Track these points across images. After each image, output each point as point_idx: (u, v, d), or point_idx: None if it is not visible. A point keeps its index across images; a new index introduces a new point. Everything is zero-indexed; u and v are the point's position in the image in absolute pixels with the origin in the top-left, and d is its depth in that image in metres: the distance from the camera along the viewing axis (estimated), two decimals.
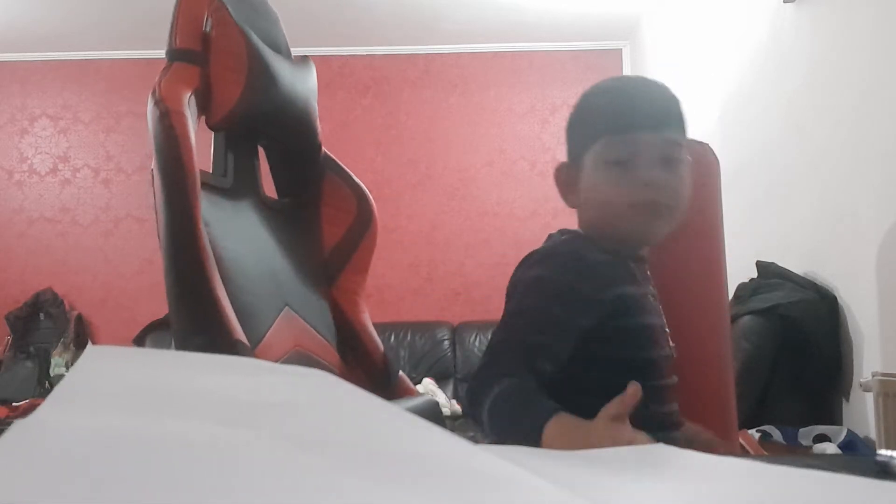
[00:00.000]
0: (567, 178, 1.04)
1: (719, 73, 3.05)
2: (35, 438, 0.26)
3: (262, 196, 1.27)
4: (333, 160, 1.37)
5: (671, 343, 1.04)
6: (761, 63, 2.63)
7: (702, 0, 3.26)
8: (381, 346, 1.37)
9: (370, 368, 1.33)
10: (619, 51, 4.50)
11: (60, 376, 3.96)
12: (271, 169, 1.34)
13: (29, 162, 4.52)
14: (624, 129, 0.97)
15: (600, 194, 0.99)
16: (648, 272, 1.06)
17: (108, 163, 4.51)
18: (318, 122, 1.33)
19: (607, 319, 0.95)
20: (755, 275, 2.30)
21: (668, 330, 1.04)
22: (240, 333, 0.95)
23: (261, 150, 1.32)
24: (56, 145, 4.53)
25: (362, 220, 1.38)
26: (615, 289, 0.96)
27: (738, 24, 2.83)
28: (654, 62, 4.01)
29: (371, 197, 1.39)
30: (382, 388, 1.31)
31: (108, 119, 4.52)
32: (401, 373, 1.38)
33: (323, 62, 4.42)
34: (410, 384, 1.39)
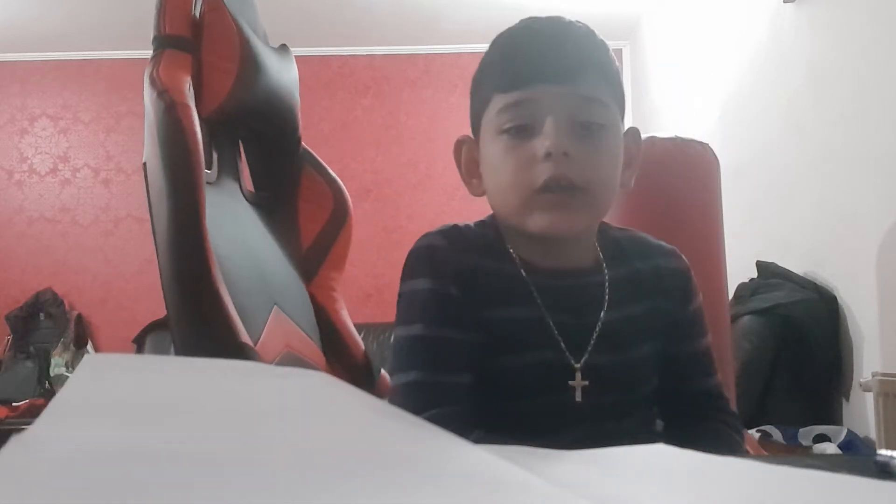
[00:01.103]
0: (468, 157, 0.83)
1: (719, 73, 3.05)
2: (32, 454, 0.26)
3: (244, 190, 1.24)
4: (311, 154, 1.35)
5: (598, 384, 0.77)
6: (761, 63, 2.63)
7: (702, 0, 3.26)
8: (362, 344, 1.34)
9: (352, 367, 1.30)
10: (619, 51, 4.50)
11: (60, 376, 3.96)
12: (249, 162, 1.31)
13: (29, 162, 4.52)
14: (517, 82, 0.74)
15: (497, 177, 0.77)
16: (605, 289, 0.80)
17: (108, 163, 4.51)
18: (299, 115, 1.31)
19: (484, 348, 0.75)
20: (755, 275, 2.30)
21: (578, 369, 0.76)
22: (245, 336, 0.92)
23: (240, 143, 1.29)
24: (56, 145, 4.52)
25: (338, 215, 1.35)
26: (496, 310, 0.76)
27: (738, 24, 2.83)
28: (654, 62, 4.01)
29: (346, 192, 1.37)
30: (365, 386, 1.27)
31: (108, 119, 4.51)
32: (382, 371, 1.36)
33: (323, 62, 4.43)
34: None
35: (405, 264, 0.78)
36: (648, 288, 0.83)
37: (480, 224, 0.83)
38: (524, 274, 0.78)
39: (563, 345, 0.76)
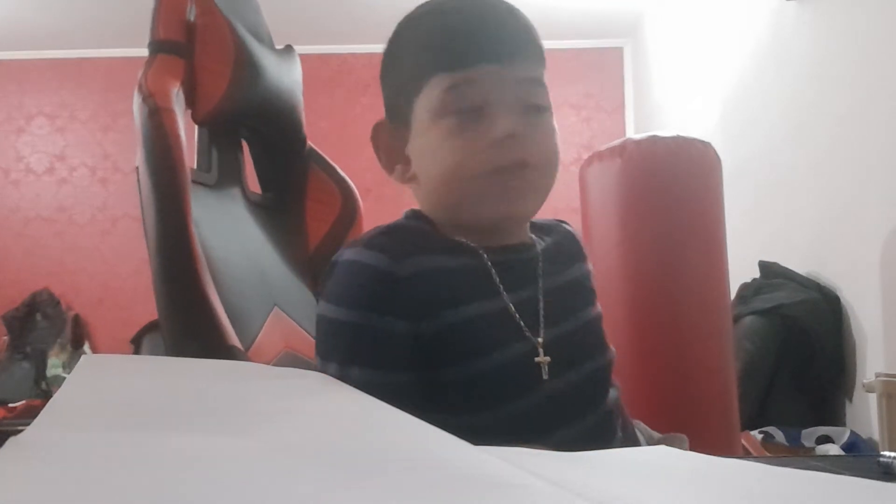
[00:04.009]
0: (390, 143, 0.77)
1: (721, 72, 3.05)
2: (29, 455, 0.26)
3: (247, 191, 1.25)
4: (318, 153, 1.36)
5: (566, 376, 0.71)
6: (763, 61, 2.63)
7: None
8: None
9: None
10: (621, 49, 4.50)
11: (57, 377, 3.96)
12: (255, 163, 1.33)
13: (25, 161, 4.52)
14: (464, 61, 0.68)
15: (440, 163, 0.70)
16: (538, 262, 0.75)
17: (105, 162, 4.51)
18: (303, 115, 1.32)
19: (432, 359, 0.66)
20: (758, 274, 2.29)
21: (545, 365, 0.69)
22: (234, 338, 0.93)
23: (244, 144, 1.30)
24: (53, 144, 4.53)
25: (347, 215, 1.35)
26: (443, 315, 0.66)
27: (740, 23, 2.83)
28: (655, 60, 4.01)
29: (356, 191, 1.37)
30: None
31: (105, 118, 4.52)
32: None
33: (322, 60, 4.42)
34: None
35: (327, 275, 0.69)
36: (571, 254, 0.81)
37: (411, 219, 0.75)
38: (483, 255, 0.71)
39: (526, 332, 0.70)
